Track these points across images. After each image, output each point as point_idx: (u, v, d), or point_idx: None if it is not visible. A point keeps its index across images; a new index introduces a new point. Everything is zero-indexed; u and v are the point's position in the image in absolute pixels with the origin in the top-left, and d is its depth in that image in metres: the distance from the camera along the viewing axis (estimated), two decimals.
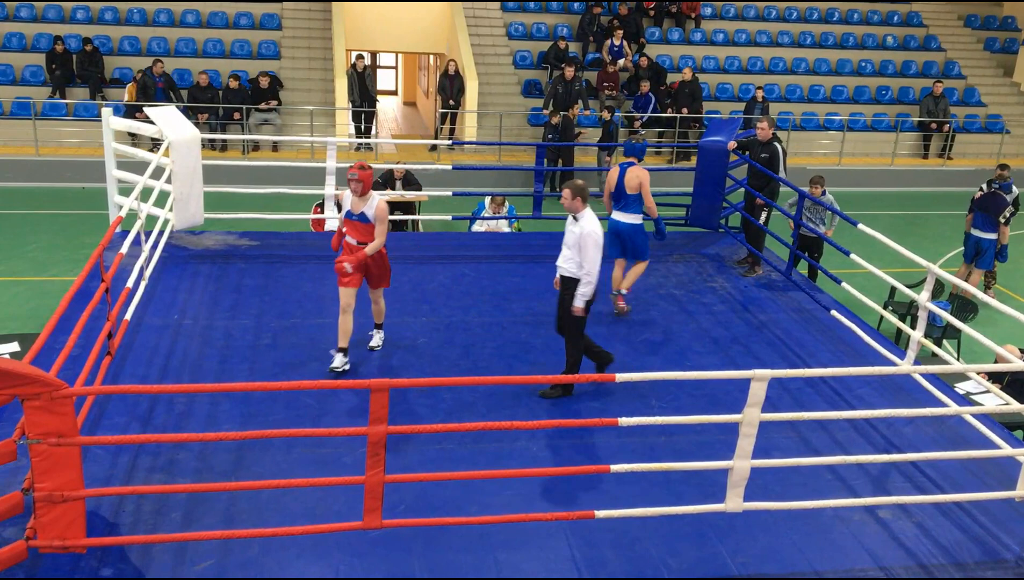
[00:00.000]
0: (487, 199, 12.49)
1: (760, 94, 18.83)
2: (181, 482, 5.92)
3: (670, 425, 6.35)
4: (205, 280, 9.18)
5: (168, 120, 9.70)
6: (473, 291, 9.40)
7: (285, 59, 19.18)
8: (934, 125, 20.11)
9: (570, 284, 7.15)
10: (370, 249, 7.32)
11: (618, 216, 8.88)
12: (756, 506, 5.58)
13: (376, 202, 7.25)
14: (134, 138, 15.55)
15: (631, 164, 8.83)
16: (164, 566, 5.21)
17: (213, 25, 19.48)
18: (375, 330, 8.04)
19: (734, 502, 5.49)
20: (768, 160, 9.95)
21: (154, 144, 14.77)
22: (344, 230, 7.49)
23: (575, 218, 7.12)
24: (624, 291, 8.97)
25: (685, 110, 17.51)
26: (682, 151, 18.55)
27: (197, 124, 15.30)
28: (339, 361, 7.47)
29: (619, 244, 8.96)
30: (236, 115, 17.33)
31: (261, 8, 19.89)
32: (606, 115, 17.28)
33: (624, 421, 5.28)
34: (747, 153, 10.36)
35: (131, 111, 16.10)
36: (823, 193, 11.15)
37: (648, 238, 9.05)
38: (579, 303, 7.06)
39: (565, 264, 7.20)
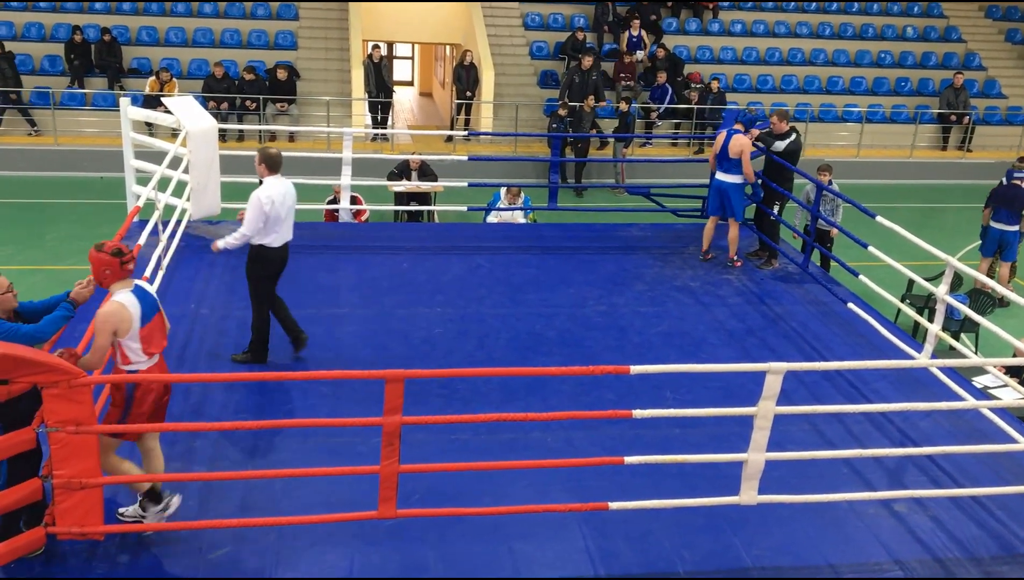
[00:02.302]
0: (502, 190, 12.48)
1: (716, 85, 18.58)
2: (197, 470, 5.96)
3: (684, 417, 6.34)
4: (222, 270, 9.21)
5: (186, 110, 9.74)
6: (488, 282, 9.40)
7: (302, 49, 19.20)
8: (954, 117, 19.92)
9: (250, 251, 7.24)
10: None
11: (721, 176, 9.96)
12: (771, 499, 5.57)
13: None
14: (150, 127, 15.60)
15: (738, 132, 9.80)
16: (180, 553, 5.25)
17: (230, 15, 19.52)
18: (143, 499, 5.37)
19: (748, 495, 5.48)
20: (787, 153, 9.90)
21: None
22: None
23: (260, 183, 7.14)
24: (734, 257, 10.12)
25: (591, 98, 17.23)
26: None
27: (216, 113, 15.35)
28: (133, 510, 5.43)
29: (719, 201, 10.05)
30: (252, 105, 17.36)
31: None
32: (623, 106, 17.21)
33: (638, 413, 5.28)
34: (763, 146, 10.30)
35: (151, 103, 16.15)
36: (830, 182, 11.11)
37: (743, 200, 10.07)
38: (220, 244, 7.22)
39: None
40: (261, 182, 7.12)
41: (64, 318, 5.11)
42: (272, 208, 7.00)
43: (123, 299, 5.03)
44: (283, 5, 19.86)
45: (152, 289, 5.32)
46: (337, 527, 5.45)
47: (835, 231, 11.16)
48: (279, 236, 7.20)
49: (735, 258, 10.14)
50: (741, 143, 9.68)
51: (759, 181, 10.23)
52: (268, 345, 7.47)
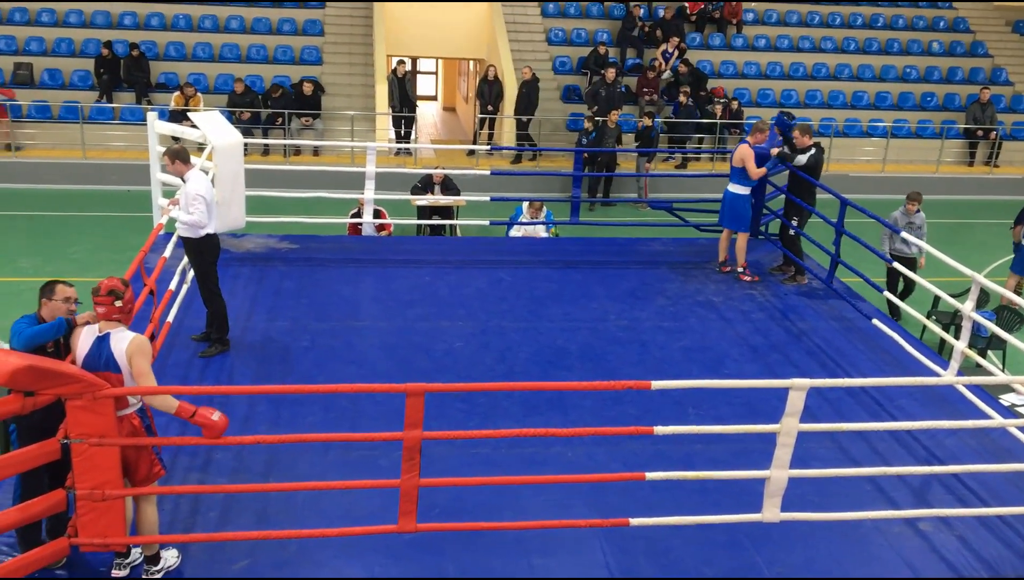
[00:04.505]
0: (525, 204, 12.49)
1: (736, 103, 18.62)
2: (218, 482, 5.98)
3: (706, 433, 6.29)
4: (246, 282, 9.28)
5: (212, 125, 9.83)
6: (509, 296, 9.41)
7: (327, 64, 19.35)
8: (980, 132, 19.76)
9: (190, 244, 7.56)
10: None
11: (728, 187, 10.01)
12: (793, 516, 5.52)
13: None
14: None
15: (744, 141, 9.93)
16: (200, 565, 5.27)
17: (257, 31, 19.72)
18: (145, 564, 5.17)
19: (771, 512, 5.43)
20: (809, 167, 9.85)
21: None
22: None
23: (183, 180, 7.41)
24: (740, 269, 10.11)
25: (616, 113, 17.31)
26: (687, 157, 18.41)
27: (242, 128, 15.43)
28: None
29: (724, 211, 10.11)
30: (278, 120, 17.52)
31: (304, 14, 20.09)
32: (646, 121, 17.20)
33: (660, 429, 5.25)
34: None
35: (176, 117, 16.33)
36: (917, 211, 11.00)
37: (749, 212, 10.02)
38: (179, 215, 7.43)
39: (180, 227, 7.57)
40: (184, 180, 7.41)
41: (53, 328, 5.11)
42: (211, 198, 7.44)
43: (81, 332, 5.05)
44: (309, 21, 20.04)
45: (122, 355, 4.88)
46: (357, 540, 5.45)
47: (923, 260, 11.05)
48: (216, 221, 7.66)
49: (742, 270, 10.10)
50: (742, 152, 9.76)
51: (784, 196, 10.19)
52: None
